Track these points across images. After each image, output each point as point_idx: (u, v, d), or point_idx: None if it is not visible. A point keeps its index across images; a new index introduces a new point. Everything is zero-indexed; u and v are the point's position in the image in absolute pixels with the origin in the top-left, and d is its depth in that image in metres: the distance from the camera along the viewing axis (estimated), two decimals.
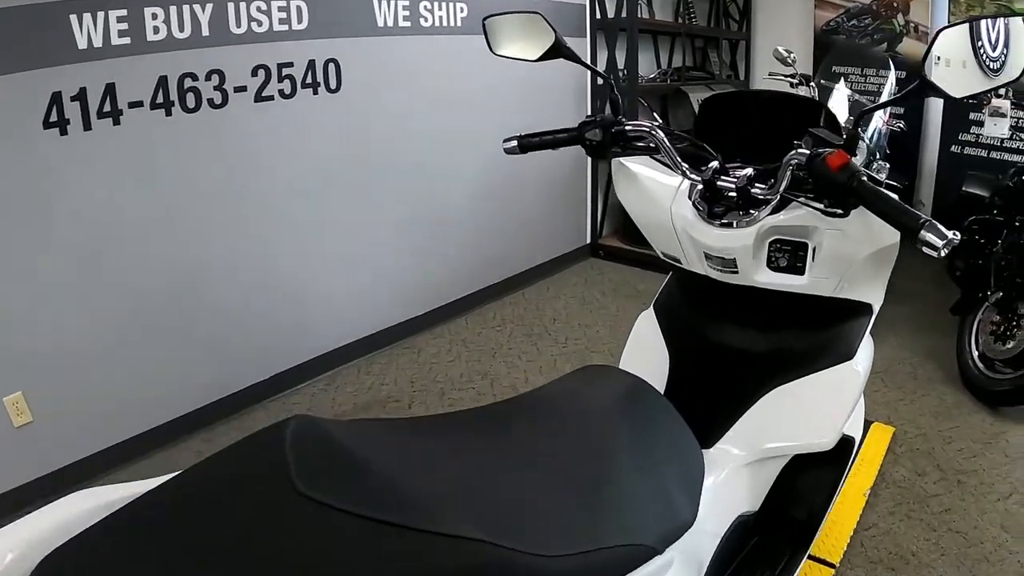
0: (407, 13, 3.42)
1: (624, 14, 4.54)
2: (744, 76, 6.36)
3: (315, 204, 3.21)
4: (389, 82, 3.41)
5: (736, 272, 1.31)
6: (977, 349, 3.17)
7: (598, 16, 4.60)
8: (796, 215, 1.25)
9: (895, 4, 5.39)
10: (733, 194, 1.28)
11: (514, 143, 1.52)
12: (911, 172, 5.14)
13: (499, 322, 3.97)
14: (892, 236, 1.18)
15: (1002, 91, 3.16)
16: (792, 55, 3.95)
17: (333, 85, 3.15)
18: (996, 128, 3.19)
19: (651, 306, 1.65)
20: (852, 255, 1.24)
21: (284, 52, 2.96)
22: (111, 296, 2.64)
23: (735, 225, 1.27)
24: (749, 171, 1.26)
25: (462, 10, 3.62)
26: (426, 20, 3.50)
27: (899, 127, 4.40)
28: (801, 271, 1.28)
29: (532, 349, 3.63)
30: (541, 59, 1.46)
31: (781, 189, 1.19)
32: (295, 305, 3.24)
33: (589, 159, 4.77)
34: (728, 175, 1.29)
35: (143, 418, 2.80)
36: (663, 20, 5.36)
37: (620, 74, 4.60)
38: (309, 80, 3.06)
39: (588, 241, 5.09)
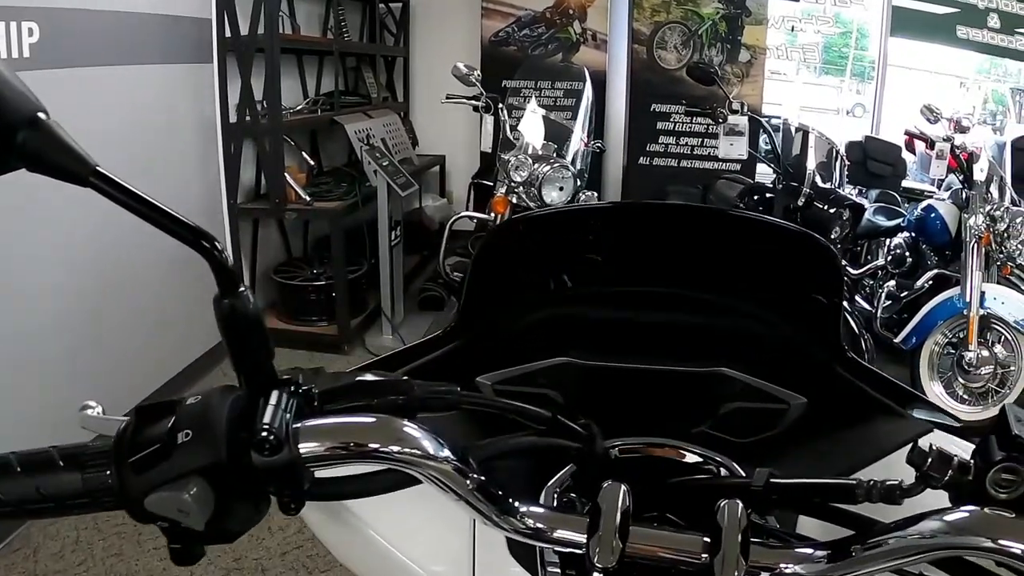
0: None
1: (261, 30, 3.90)
2: (404, 98, 6.15)
3: None
4: None
5: None
6: None
7: (228, 34, 3.89)
8: None
9: (571, 12, 5.41)
10: None
11: None
12: (596, 187, 5.17)
13: None
14: None
15: (737, 106, 3.17)
16: (476, 72, 3.70)
17: None
18: (733, 148, 3.18)
19: None
20: None
21: None
22: None
23: None
24: None
25: (31, 33, 2.63)
26: None
27: (599, 148, 4.41)
28: None
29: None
30: None
31: None
32: None
33: (225, 202, 3.99)
34: None
35: None
36: (310, 36, 4.83)
37: (259, 107, 4.00)
38: None
39: None
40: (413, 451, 0.53)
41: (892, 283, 4.18)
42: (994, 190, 3.64)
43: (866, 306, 4.24)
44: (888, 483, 0.55)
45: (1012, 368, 3.35)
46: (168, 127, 3.59)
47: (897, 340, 3.69)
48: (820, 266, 0.84)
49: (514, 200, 3.35)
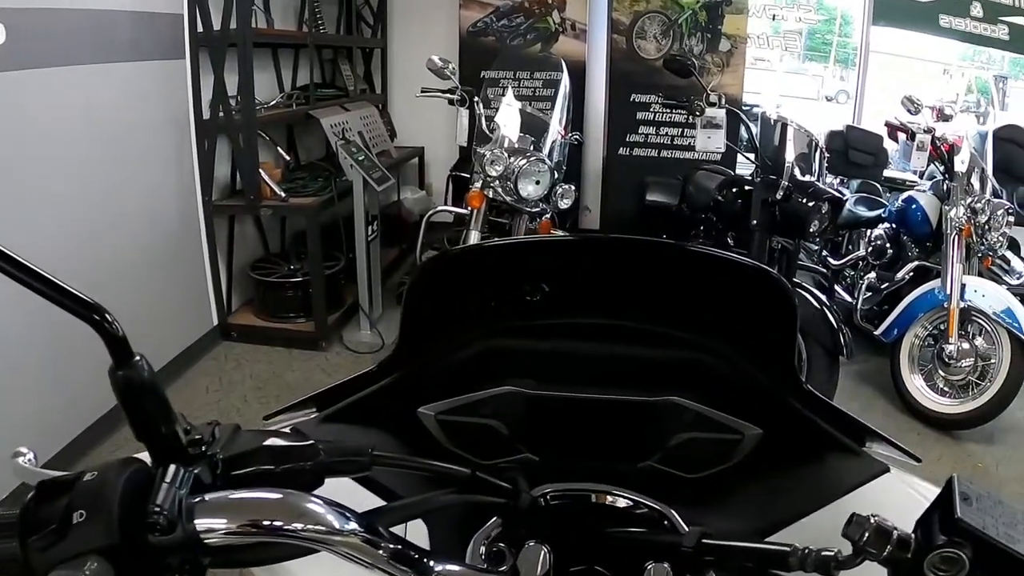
0: None
1: (234, 25, 3.85)
2: (382, 89, 6.11)
3: None
4: None
5: None
6: None
7: (200, 29, 3.84)
8: None
9: (549, 1, 5.35)
10: None
11: None
12: (575, 179, 5.12)
13: None
14: None
15: (714, 99, 3.15)
16: (451, 65, 3.68)
17: None
18: (710, 142, 3.16)
19: None
20: None
21: None
22: None
23: None
24: None
25: None
26: None
27: (576, 139, 4.40)
28: None
29: None
30: None
31: None
32: None
33: (200, 200, 3.96)
34: None
35: None
36: (285, 30, 4.78)
37: (232, 103, 3.93)
38: None
39: (215, 322, 4.19)
40: (317, 528, 0.51)
41: (873, 275, 4.18)
42: (975, 181, 3.63)
43: (847, 297, 4.25)
44: (823, 553, 0.54)
45: (992, 360, 3.36)
46: (141, 125, 3.54)
47: (877, 332, 3.71)
48: (774, 300, 0.83)
49: (490, 195, 3.33)
